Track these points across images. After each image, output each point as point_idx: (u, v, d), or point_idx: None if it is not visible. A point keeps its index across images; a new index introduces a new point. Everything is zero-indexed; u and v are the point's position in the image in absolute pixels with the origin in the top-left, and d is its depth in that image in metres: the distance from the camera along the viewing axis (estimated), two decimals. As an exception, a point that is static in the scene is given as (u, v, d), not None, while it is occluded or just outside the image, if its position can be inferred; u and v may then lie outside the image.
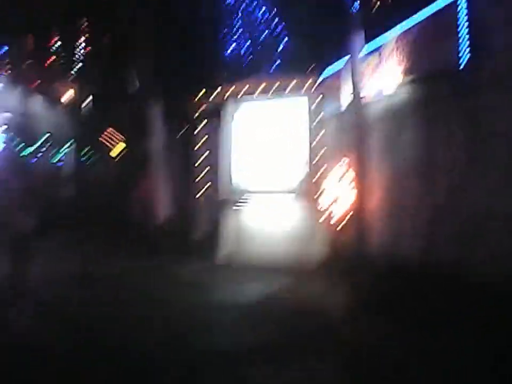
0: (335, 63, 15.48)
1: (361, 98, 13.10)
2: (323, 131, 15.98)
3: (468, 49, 10.39)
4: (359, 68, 13.29)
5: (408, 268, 11.99)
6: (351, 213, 14.30)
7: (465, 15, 10.47)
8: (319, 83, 16.00)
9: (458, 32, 10.50)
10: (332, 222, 15.17)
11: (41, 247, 13.33)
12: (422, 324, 9.63)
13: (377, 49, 13.46)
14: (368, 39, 13.38)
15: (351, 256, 13.70)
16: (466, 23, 10.44)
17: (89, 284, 13.72)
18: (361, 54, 13.31)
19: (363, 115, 13.10)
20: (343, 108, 14.97)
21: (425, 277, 11.18)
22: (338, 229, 14.86)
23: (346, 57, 14.34)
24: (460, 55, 10.45)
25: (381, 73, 13.10)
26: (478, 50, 10.35)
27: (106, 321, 10.68)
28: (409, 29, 11.82)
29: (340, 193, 14.89)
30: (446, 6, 11.01)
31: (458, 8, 10.60)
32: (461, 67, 10.45)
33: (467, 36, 10.40)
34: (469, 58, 10.39)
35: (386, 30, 12.90)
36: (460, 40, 10.46)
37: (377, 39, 13.33)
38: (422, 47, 11.34)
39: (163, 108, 19.80)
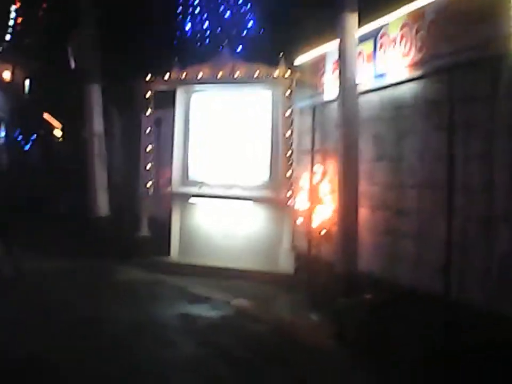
0: (313, 49, 12.64)
1: (355, 87, 10.28)
2: (293, 126, 13.94)
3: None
4: (352, 52, 10.58)
5: (398, 295, 9.63)
6: (330, 222, 11.90)
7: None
8: (291, 72, 13.78)
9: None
10: (307, 227, 12.56)
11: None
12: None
13: (374, 34, 10.76)
14: (362, 22, 10.76)
15: (329, 271, 11.26)
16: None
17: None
18: (353, 39, 10.66)
19: (356, 108, 10.42)
20: (322, 100, 12.25)
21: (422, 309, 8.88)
22: (315, 236, 12.40)
23: (329, 43, 12.00)
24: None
25: (382, 61, 10.32)
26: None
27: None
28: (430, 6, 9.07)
29: (319, 198, 12.31)
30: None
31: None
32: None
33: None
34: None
35: (388, 11, 10.24)
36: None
37: (376, 21, 10.68)
38: (458, 26, 8.53)
39: (106, 92, 17.19)
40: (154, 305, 11.26)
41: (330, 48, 12.10)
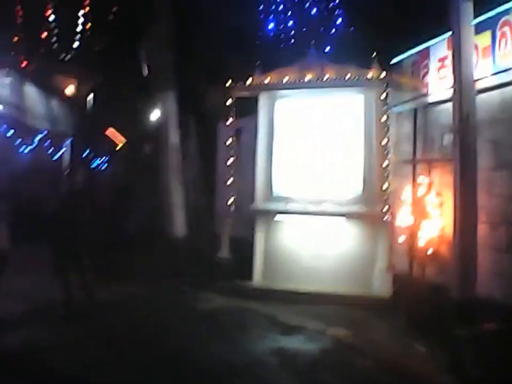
0: (413, 47, 11.48)
1: (472, 85, 9.07)
2: (389, 133, 12.81)
3: None
4: (469, 45, 9.42)
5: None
6: (439, 240, 10.89)
7: None
8: (386, 73, 12.77)
9: None
10: (409, 246, 11.45)
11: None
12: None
13: (493, 23, 9.56)
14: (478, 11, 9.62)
15: (437, 295, 10.34)
16: None
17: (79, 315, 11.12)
18: (469, 30, 9.52)
19: (473, 109, 9.28)
20: (426, 103, 11.34)
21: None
22: (419, 256, 11.26)
23: (433, 38, 11.06)
24: None
25: (504, 54, 9.27)
26: None
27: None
28: None
29: (424, 212, 11.14)
30: None
31: None
32: None
33: None
34: None
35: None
36: None
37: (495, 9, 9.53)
38: None
39: (181, 100, 16.06)
40: (245, 338, 10.41)
41: (434, 43, 11.15)
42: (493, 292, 9.28)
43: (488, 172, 9.55)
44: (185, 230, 15.54)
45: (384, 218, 12.59)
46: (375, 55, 12.95)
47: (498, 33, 9.32)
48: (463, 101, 9.36)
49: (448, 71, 10.39)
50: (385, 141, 12.70)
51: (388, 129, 12.72)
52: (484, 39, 9.61)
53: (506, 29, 9.23)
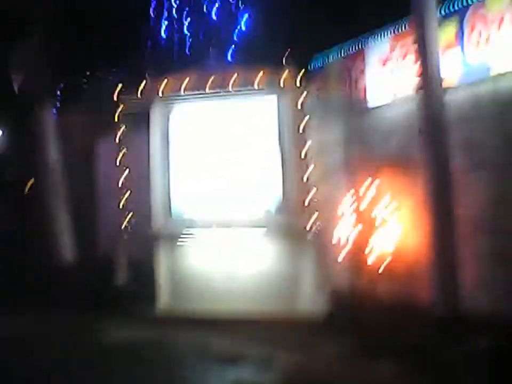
0: (339, 45, 10.54)
1: (440, 81, 8.19)
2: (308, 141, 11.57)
3: None
4: (434, 37, 8.72)
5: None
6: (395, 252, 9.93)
7: None
8: (303, 77, 11.62)
9: None
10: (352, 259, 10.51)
11: None
12: None
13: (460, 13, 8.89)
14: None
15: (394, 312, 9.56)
16: None
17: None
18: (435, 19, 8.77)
19: (443, 108, 8.57)
20: (362, 107, 10.28)
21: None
22: (365, 270, 10.34)
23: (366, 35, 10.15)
24: None
25: (475, 48, 8.35)
26: None
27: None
28: None
29: (370, 223, 10.16)
30: None
31: None
32: None
33: None
34: None
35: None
36: None
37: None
38: None
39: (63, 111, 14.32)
40: (185, 376, 8.85)
41: (371, 41, 10.11)
42: (478, 306, 8.51)
43: (464, 174, 8.63)
44: (74, 257, 13.25)
45: (309, 231, 11.47)
46: (288, 56, 11.74)
47: (467, 24, 8.36)
48: (431, 98, 8.68)
49: (391, 72, 9.63)
50: (305, 148, 11.51)
51: (306, 136, 11.58)
52: (448, 31, 8.68)
53: (477, 18, 8.51)
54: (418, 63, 8.70)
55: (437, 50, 8.60)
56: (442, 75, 8.65)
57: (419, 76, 8.70)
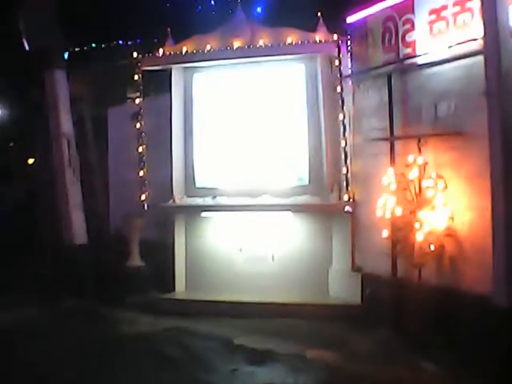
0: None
1: (509, 35, 7.16)
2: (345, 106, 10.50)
3: None
4: None
5: None
6: (446, 234, 8.56)
7: None
8: (338, 35, 10.56)
9: None
10: (403, 241, 9.09)
11: None
12: None
13: None
14: None
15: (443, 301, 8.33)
16: None
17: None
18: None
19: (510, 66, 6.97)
20: (410, 65, 9.13)
21: None
22: (410, 254, 8.86)
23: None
24: None
25: None
26: None
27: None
28: None
29: (418, 200, 8.91)
30: None
31: None
32: None
33: None
34: None
35: None
36: None
37: None
38: None
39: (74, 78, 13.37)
40: (211, 375, 7.86)
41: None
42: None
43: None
44: (87, 237, 12.15)
45: (344, 209, 10.37)
46: (321, 15, 10.72)
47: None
48: (498, 56, 7.18)
49: (445, 25, 8.52)
50: (340, 116, 10.43)
51: (343, 102, 10.44)
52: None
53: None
54: (483, 14, 7.17)
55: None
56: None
57: (485, 26, 7.13)
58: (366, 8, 9.89)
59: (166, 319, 10.37)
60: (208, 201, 11.38)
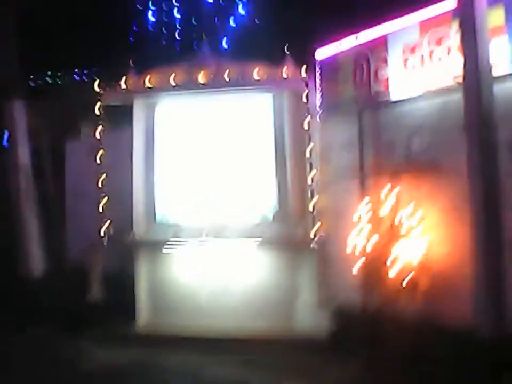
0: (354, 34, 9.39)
1: (489, 71, 7.43)
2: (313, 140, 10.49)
3: None
4: (483, 20, 7.56)
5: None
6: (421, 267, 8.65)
7: None
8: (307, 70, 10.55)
9: None
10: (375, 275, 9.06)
11: None
12: None
13: None
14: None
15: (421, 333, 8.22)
16: None
17: None
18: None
19: (491, 102, 7.54)
20: (382, 102, 9.30)
21: None
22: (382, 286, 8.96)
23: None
24: None
25: None
26: None
27: None
28: None
29: (392, 233, 8.92)
30: None
31: None
32: None
33: None
34: None
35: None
36: None
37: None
38: None
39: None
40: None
41: (393, 28, 9.14)
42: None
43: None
44: (44, 269, 11.83)
45: (312, 242, 10.36)
46: (288, 49, 10.71)
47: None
48: (476, 91, 7.40)
49: (420, 62, 8.71)
50: (308, 150, 10.40)
51: (310, 138, 10.49)
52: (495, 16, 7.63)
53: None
54: (463, 49, 7.39)
55: (486, 35, 7.27)
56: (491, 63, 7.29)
57: (464, 64, 7.40)
58: (335, 40, 9.89)
59: (131, 351, 10.14)
60: (169, 236, 11.07)
